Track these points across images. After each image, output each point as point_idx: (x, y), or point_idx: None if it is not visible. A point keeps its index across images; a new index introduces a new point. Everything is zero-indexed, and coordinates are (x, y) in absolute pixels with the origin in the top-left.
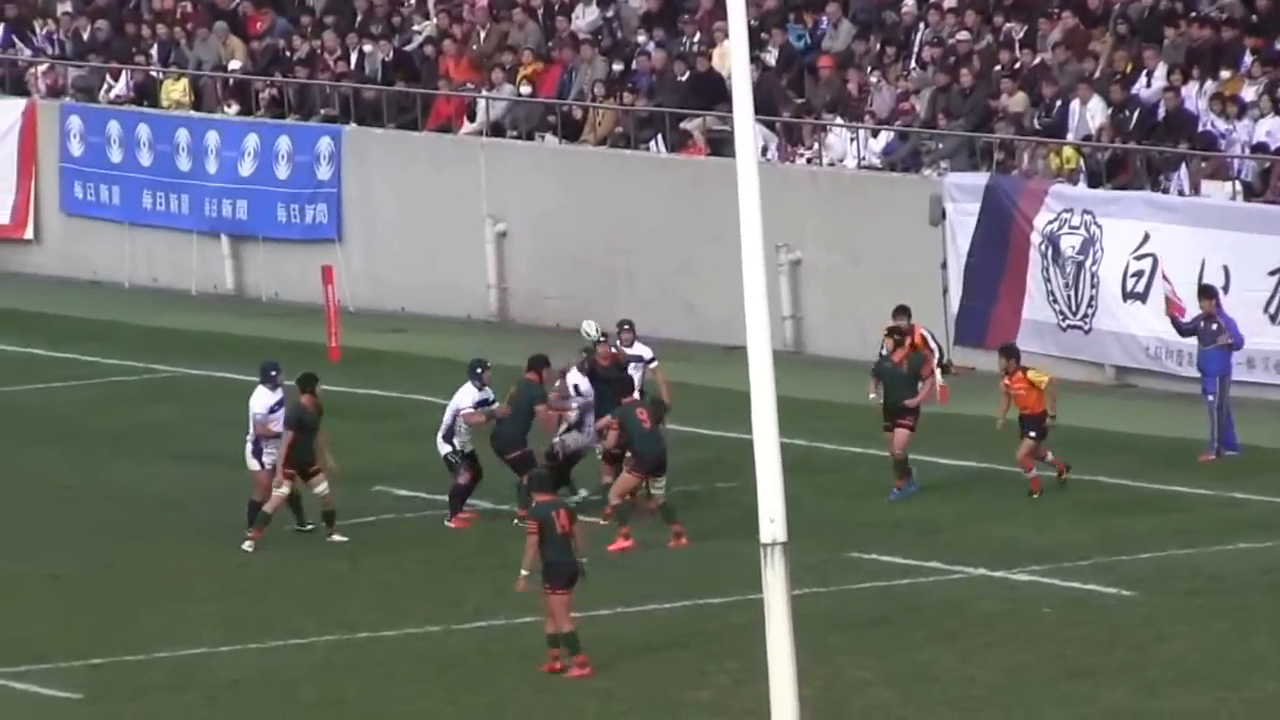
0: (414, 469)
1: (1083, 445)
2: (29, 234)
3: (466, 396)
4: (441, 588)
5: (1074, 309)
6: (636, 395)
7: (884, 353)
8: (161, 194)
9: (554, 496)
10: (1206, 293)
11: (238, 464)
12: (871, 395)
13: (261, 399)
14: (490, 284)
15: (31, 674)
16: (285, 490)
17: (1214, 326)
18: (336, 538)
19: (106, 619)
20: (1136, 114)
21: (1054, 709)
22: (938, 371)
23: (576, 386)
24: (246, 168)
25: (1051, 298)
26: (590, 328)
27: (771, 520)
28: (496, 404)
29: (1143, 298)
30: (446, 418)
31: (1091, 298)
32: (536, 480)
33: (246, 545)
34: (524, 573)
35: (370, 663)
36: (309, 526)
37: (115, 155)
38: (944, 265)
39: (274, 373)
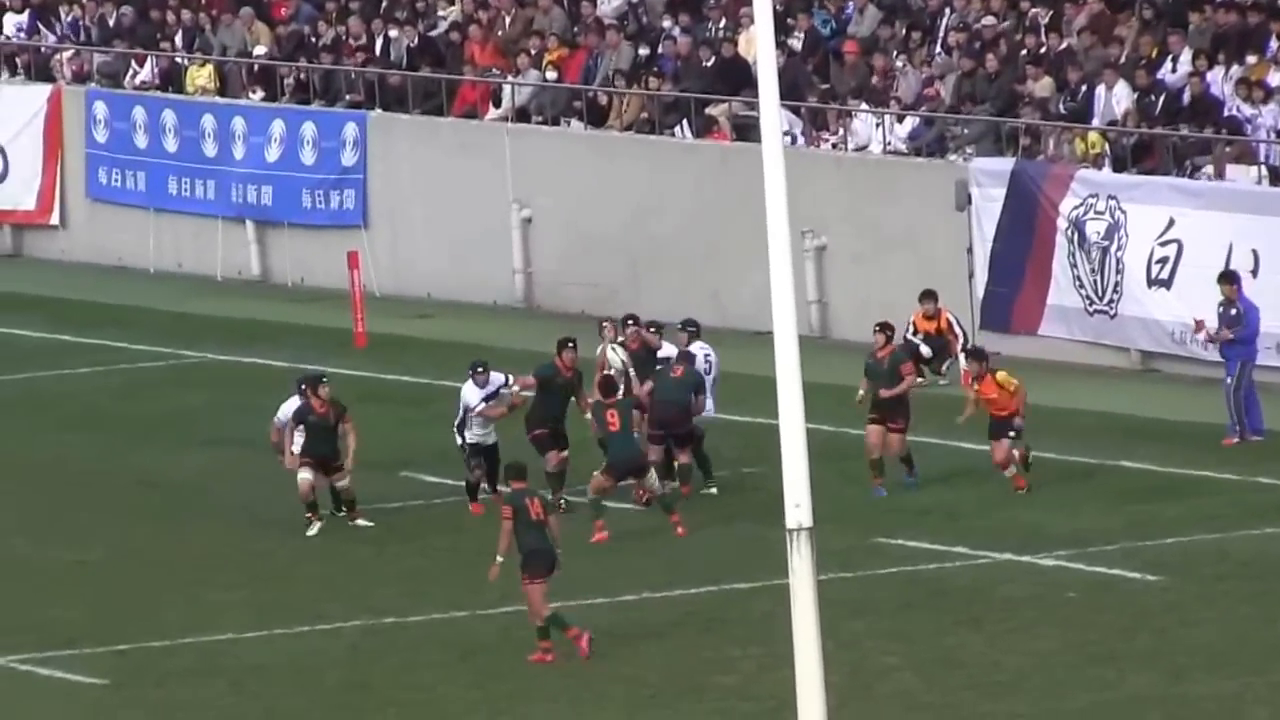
0: (441, 455)
1: (1109, 430)
2: (55, 220)
3: (471, 395)
4: (467, 574)
5: (1100, 294)
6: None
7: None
8: (187, 180)
9: (527, 484)
10: (1228, 278)
11: (264, 450)
12: (861, 393)
13: (286, 406)
14: (516, 269)
15: (57, 660)
16: (305, 474)
17: (1233, 312)
18: (361, 522)
19: (133, 605)
20: (1162, 99)
21: (1080, 694)
22: (962, 357)
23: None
24: (272, 154)
25: (1078, 283)
26: (617, 358)
27: (797, 505)
28: (513, 386)
29: (1167, 284)
30: (459, 412)
31: (1117, 283)
32: (511, 469)
33: (310, 530)
34: (499, 559)
35: (396, 648)
36: (341, 513)
37: (140, 141)
38: (969, 250)
39: (304, 386)
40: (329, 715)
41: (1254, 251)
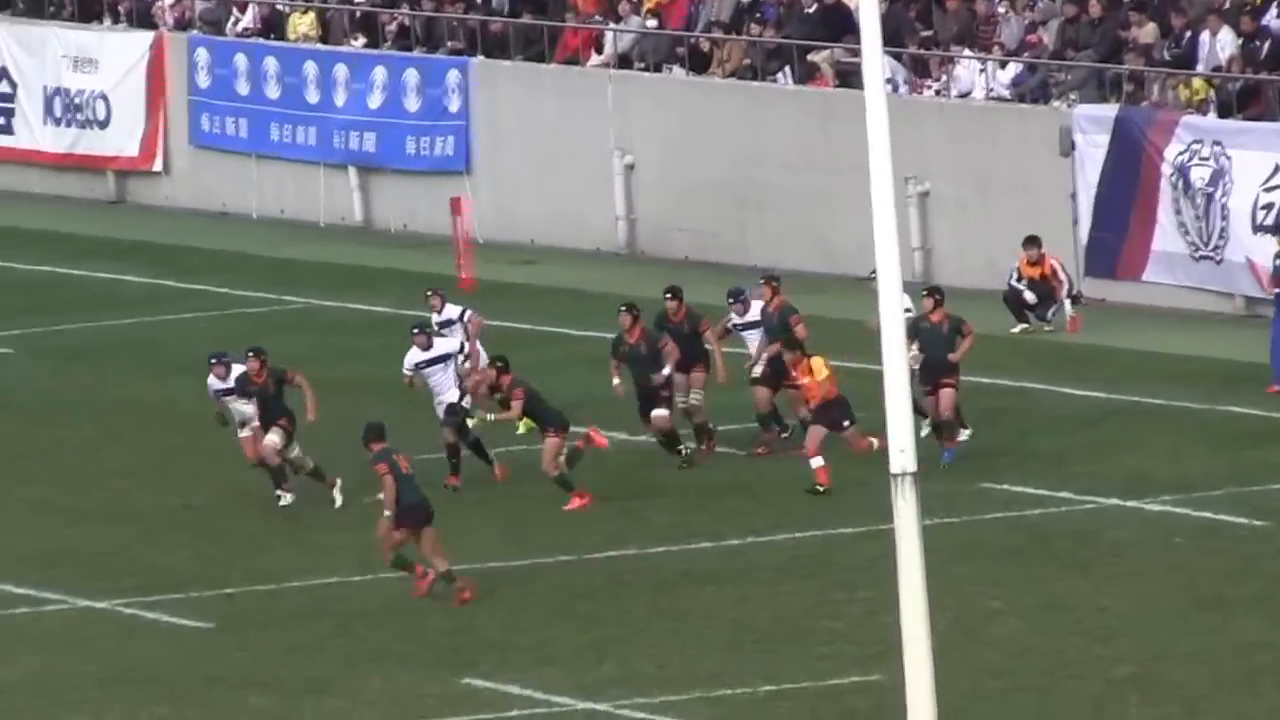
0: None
1: (1213, 375)
2: (158, 166)
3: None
4: (572, 518)
5: (1205, 240)
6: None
7: (920, 312)
8: (289, 126)
9: (386, 443)
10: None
11: (365, 394)
12: (911, 354)
13: (211, 383)
14: (619, 216)
15: (164, 603)
16: (273, 436)
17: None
18: (336, 492)
19: (239, 549)
20: (1267, 45)
21: (1185, 639)
22: (1067, 303)
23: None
24: (375, 100)
25: (1183, 229)
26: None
27: (901, 450)
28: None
29: (1274, 229)
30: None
31: (1222, 229)
32: (371, 431)
33: (282, 502)
34: (386, 513)
35: (500, 593)
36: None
37: (242, 88)
38: (1074, 196)
39: (212, 360)
40: (436, 659)
41: None
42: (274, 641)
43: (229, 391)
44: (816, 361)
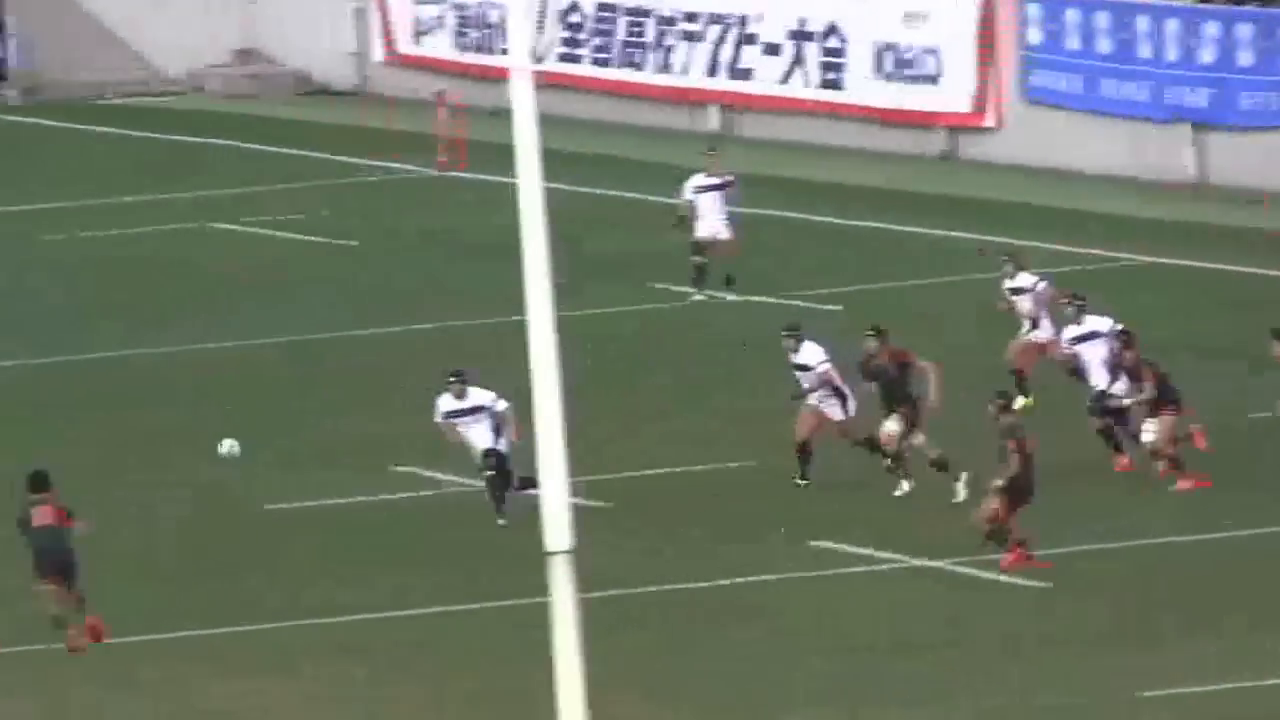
0: None
1: None
2: (989, 122)
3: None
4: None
5: None
6: None
7: None
8: (1120, 81)
9: (1015, 418)
10: None
11: (1203, 356)
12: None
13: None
14: None
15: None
16: (892, 425)
17: None
18: (961, 486)
19: (1083, 511)
20: None
21: None
22: None
23: None
24: (1206, 55)
25: None
26: None
27: None
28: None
29: None
30: None
31: None
32: (1001, 398)
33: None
34: (999, 482)
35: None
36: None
37: (1074, 43)
38: None
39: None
40: (1263, 622)
41: None
42: (1104, 604)
43: (799, 366)
44: None
